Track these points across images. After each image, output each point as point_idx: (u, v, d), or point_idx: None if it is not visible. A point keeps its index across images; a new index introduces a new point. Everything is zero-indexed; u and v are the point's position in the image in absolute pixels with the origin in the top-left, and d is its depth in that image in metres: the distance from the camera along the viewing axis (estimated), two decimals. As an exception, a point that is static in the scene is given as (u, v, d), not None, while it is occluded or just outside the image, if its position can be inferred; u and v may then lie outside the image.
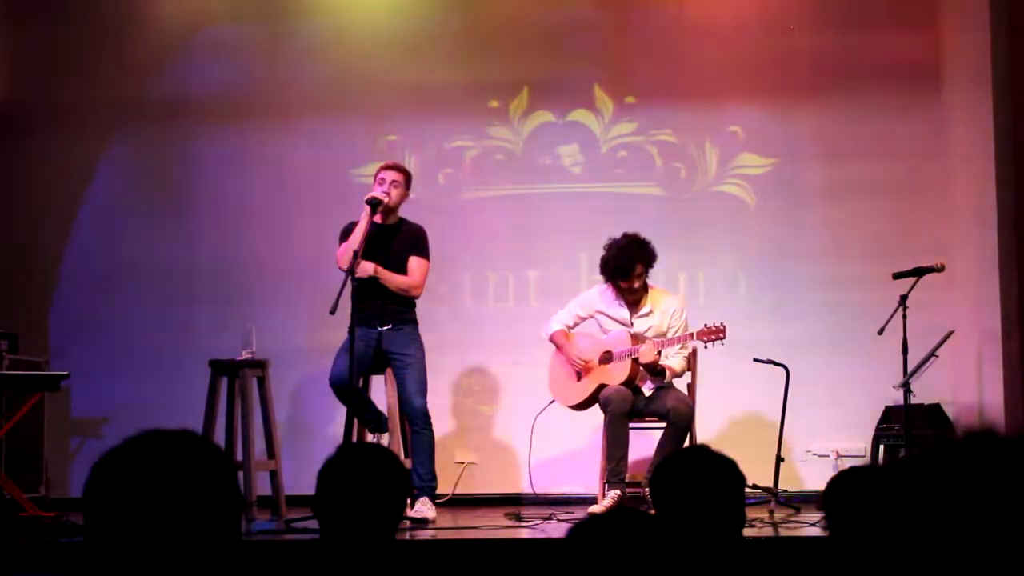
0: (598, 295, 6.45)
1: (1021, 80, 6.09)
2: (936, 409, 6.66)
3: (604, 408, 6.17)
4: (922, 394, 6.39)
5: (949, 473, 1.42)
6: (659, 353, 6.12)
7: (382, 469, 2.60)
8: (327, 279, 6.31)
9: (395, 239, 6.22)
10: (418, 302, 6.27)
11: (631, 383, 6.24)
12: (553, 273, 7.51)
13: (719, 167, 7.52)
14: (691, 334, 6.16)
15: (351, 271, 5.96)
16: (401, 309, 6.21)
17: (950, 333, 6.46)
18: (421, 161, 7.63)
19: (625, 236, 6.27)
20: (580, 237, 7.31)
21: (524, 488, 7.12)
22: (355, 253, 5.99)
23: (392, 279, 6.14)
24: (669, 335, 6.22)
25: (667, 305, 6.35)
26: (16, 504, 6.31)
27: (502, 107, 7.69)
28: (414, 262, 6.21)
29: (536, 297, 7.53)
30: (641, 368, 6.26)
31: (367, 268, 6.06)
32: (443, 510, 6.47)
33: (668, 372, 6.21)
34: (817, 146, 7.44)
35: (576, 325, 6.52)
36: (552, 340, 6.50)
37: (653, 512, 2.75)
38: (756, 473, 5.52)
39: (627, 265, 6.21)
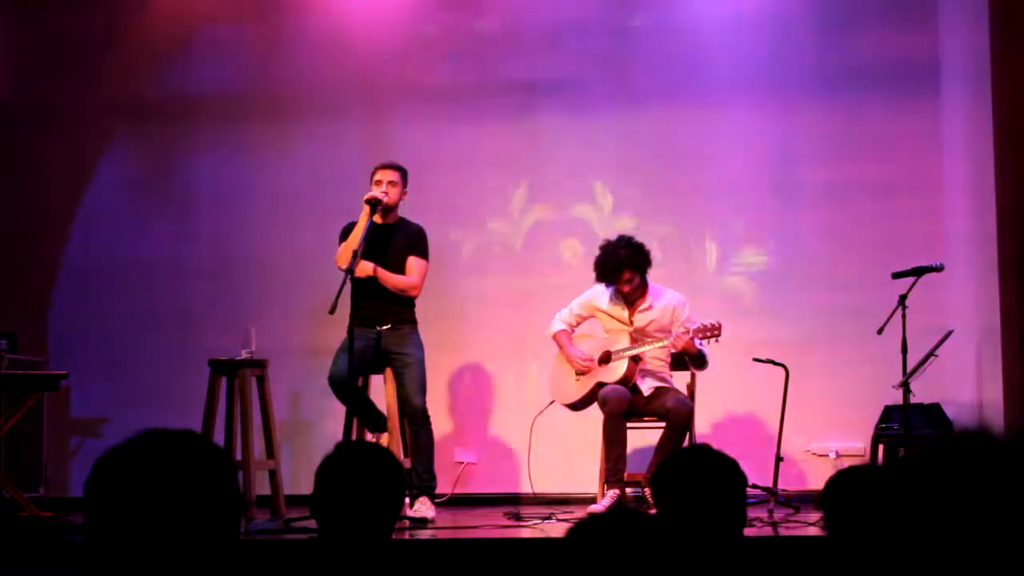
0: (598, 294, 6.46)
1: (1021, 80, 6.09)
2: (935, 408, 6.66)
3: (601, 407, 6.18)
4: (921, 393, 6.39)
5: (946, 473, 1.42)
6: (691, 338, 6.10)
7: (378, 467, 2.60)
8: (326, 279, 6.31)
9: (394, 238, 6.23)
10: (417, 301, 6.28)
11: (628, 382, 6.25)
12: (553, 271, 7.50)
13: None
14: (668, 336, 6.18)
15: (350, 271, 5.97)
16: (400, 309, 6.21)
17: (949, 333, 6.46)
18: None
19: (619, 239, 6.28)
20: (581, 234, 7.31)
21: (523, 488, 7.13)
22: (354, 253, 6.00)
23: (391, 279, 6.15)
24: (674, 329, 6.22)
25: (668, 300, 6.36)
26: (15, 504, 6.32)
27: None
28: (413, 262, 6.22)
29: (536, 296, 7.52)
30: (639, 367, 6.29)
31: (366, 268, 6.07)
32: (442, 510, 6.47)
33: (706, 356, 6.20)
34: (817, 146, 7.44)
35: (578, 324, 6.53)
36: (554, 339, 6.50)
37: (654, 511, 2.75)
38: (756, 473, 5.52)
39: (613, 270, 6.23)
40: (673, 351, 6.28)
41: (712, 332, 6.08)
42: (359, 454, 2.66)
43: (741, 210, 7.47)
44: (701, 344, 6.14)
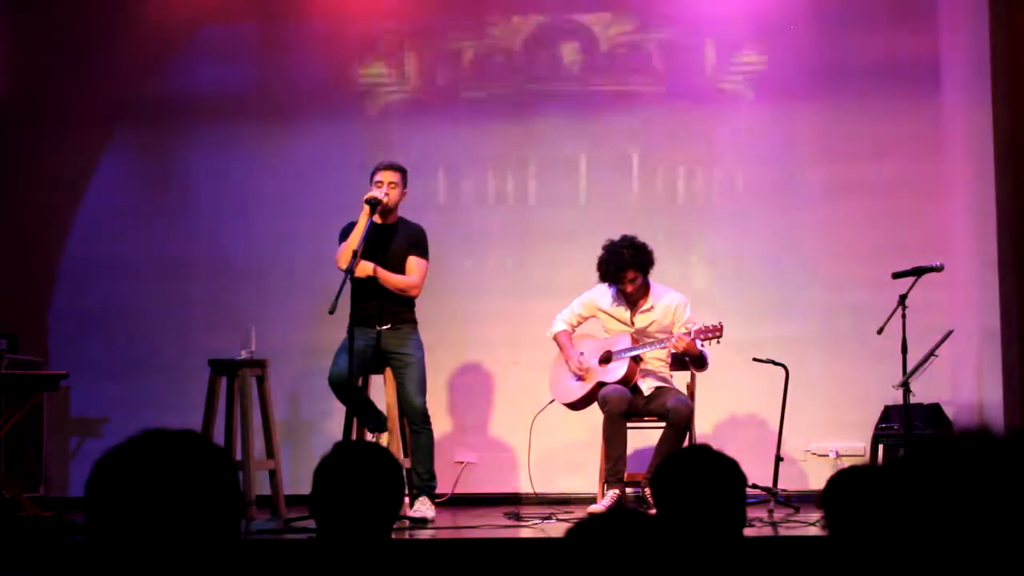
0: (600, 294, 6.46)
1: (1021, 80, 6.09)
2: (935, 409, 6.67)
3: (602, 407, 6.17)
4: (921, 394, 6.39)
5: (946, 472, 1.42)
6: (693, 339, 6.09)
7: (377, 467, 2.60)
8: (326, 279, 6.31)
9: (394, 238, 6.23)
10: (417, 300, 6.28)
11: (629, 382, 6.25)
12: (552, 271, 7.50)
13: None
14: (669, 336, 6.17)
15: (350, 271, 5.97)
16: (400, 309, 6.21)
17: (949, 333, 6.46)
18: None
19: (622, 239, 6.27)
20: (580, 234, 7.30)
21: (523, 487, 7.13)
22: (354, 253, 5.99)
23: (391, 279, 6.14)
24: (676, 330, 6.22)
25: (669, 301, 6.36)
26: (16, 503, 6.31)
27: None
28: (413, 262, 6.22)
29: (535, 296, 7.52)
30: (640, 367, 6.29)
31: (366, 268, 6.07)
32: (442, 510, 6.47)
33: (706, 357, 6.19)
34: (817, 146, 7.44)
35: (579, 324, 6.53)
36: (555, 340, 6.50)
37: (654, 511, 2.75)
38: (756, 473, 5.52)
39: (617, 270, 6.22)
40: (675, 352, 6.27)
41: (714, 334, 6.08)
42: (358, 454, 2.66)
43: (741, 210, 7.47)
44: (702, 345, 6.14)
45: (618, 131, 7.58)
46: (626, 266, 6.21)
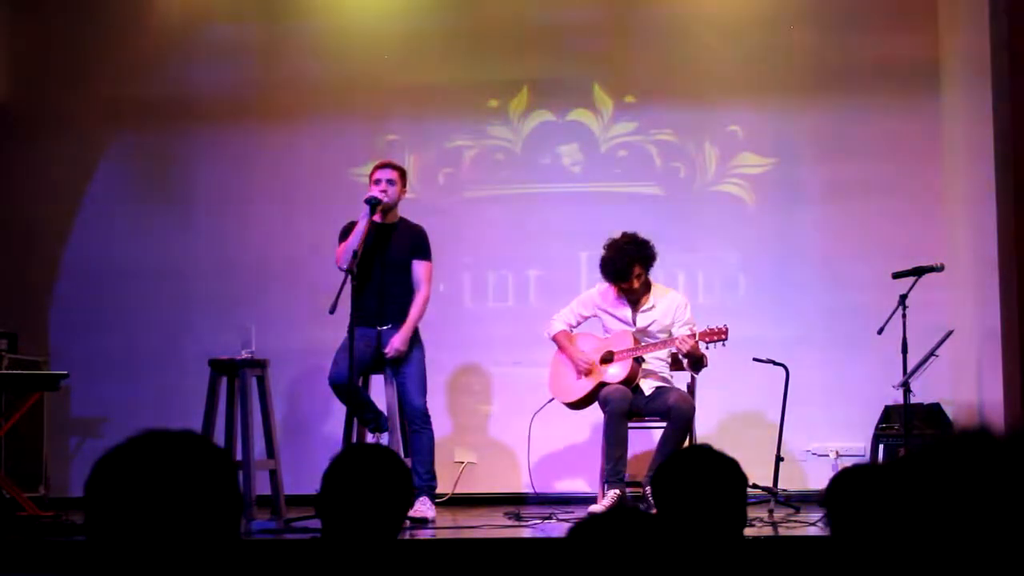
0: (599, 294, 6.45)
1: (1021, 80, 6.09)
2: (936, 409, 6.66)
3: (603, 407, 6.17)
4: (922, 394, 6.39)
5: (946, 472, 1.42)
6: (698, 341, 6.09)
7: (386, 470, 2.59)
8: (327, 278, 6.31)
9: (395, 238, 6.23)
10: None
11: (631, 383, 6.24)
12: (553, 272, 7.51)
13: (718, 166, 7.52)
14: (671, 337, 6.18)
15: (350, 270, 5.97)
16: (400, 308, 6.21)
17: (949, 333, 6.46)
18: (420, 161, 7.64)
19: (624, 236, 6.27)
20: (580, 236, 7.31)
21: (524, 487, 7.13)
22: (354, 252, 6.00)
23: (413, 315, 6.14)
24: (675, 329, 6.22)
25: (670, 300, 6.36)
26: (15, 503, 6.32)
27: (501, 107, 7.69)
28: (418, 267, 6.22)
29: (535, 296, 7.53)
30: (641, 367, 6.29)
31: (396, 348, 6.07)
32: (443, 509, 6.47)
33: (706, 359, 6.20)
34: (817, 146, 7.44)
35: (579, 324, 6.52)
36: (555, 340, 6.50)
37: (654, 511, 2.75)
38: (756, 473, 5.52)
39: (624, 267, 6.21)
40: (678, 354, 6.26)
41: (718, 336, 6.07)
42: (367, 457, 2.65)
43: (741, 210, 7.47)
44: (705, 348, 6.14)
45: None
46: (632, 262, 6.20)
